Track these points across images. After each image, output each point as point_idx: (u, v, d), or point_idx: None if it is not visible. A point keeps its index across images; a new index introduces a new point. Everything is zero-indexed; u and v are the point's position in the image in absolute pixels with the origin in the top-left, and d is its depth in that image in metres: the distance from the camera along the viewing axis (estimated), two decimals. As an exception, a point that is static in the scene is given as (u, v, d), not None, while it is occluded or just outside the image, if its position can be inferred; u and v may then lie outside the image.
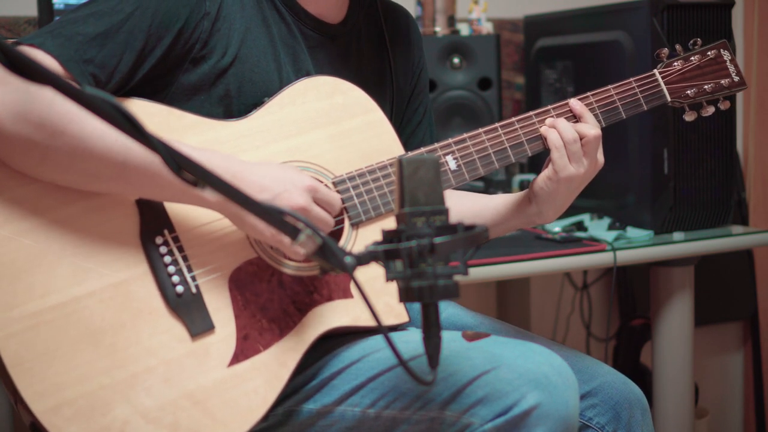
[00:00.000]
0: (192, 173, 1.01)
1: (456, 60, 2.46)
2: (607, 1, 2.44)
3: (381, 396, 1.37)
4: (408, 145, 1.69)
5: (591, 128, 1.49)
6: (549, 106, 1.54)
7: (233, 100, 1.44)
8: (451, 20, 2.56)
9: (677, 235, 2.28)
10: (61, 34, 1.32)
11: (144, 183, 1.29)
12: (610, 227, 2.26)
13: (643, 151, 2.27)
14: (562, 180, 1.48)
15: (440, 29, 2.54)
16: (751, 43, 3.07)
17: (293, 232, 1.07)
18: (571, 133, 1.48)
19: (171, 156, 0.99)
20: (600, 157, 1.51)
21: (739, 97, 3.07)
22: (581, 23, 2.51)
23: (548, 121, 1.51)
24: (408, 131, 1.71)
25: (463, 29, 2.56)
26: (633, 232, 2.25)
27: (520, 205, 1.57)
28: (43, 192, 1.29)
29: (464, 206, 1.64)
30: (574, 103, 1.52)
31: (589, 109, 1.54)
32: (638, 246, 2.18)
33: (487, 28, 2.57)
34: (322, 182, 1.45)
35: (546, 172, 1.50)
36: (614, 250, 2.12)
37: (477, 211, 1.63)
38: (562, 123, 1.49)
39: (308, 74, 1.51)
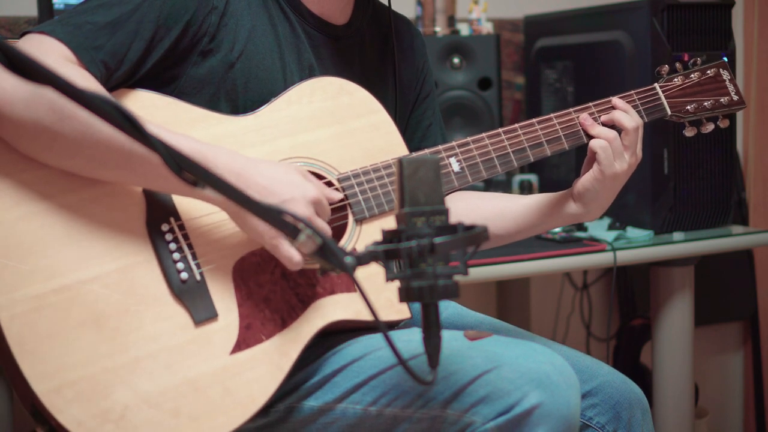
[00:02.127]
0: (192, 173, 1.01)
1: (456, 60, 2.46)
2: (607, 1, 2.44)
3: (383, 394, 1.37)
4: (422, 149, 1.70)
5: (630, 121, 1.52)
6: (551, 114, 1.56)
7: (239, 96, 1.45)
8: (451, 20, 2.56)
9: (677, 235, 2.28)
10: (70, 22, 1.33)
11: (149, 172, 1.30)
12: (610, 227, 2.26)
13: (643, 151, 2.27)
14: (608, 178, 1.51)
15: (440, 29, 2.54)
16: (751, 43, 3.07)
17: (293, 232, 1.07)
18: (611, 131, 1.52)
19: (171, 156, 1.00)
20: (639, 150, 1.54)
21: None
22: (581, 23, 2.51)
23: (587, 122, 1.54)
24: (418, 135, 1.72)
25: (463, 29, 2.56)
26: (633, 232, 2.25)
27: (558, 205, 1.58)
28: (52, 177, 1.30)
29: (488, 205, 1.65)
30: (585, 118, 1.55)
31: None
32: (638, 246, 2.19)
33: (487, 28, 2.57)
34: (324, 177, 1.46)
35: (592, 173, 1.52)
36: (614, 250, 2.12)
37: (500, 210, 1.63)
38: (601, 125, 1.53)
39: (311, 73, 1.52)
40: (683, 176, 2.28)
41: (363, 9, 1.62)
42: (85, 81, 1.30)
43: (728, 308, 3.07)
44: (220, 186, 1.03)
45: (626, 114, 1.54)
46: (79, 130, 1.25)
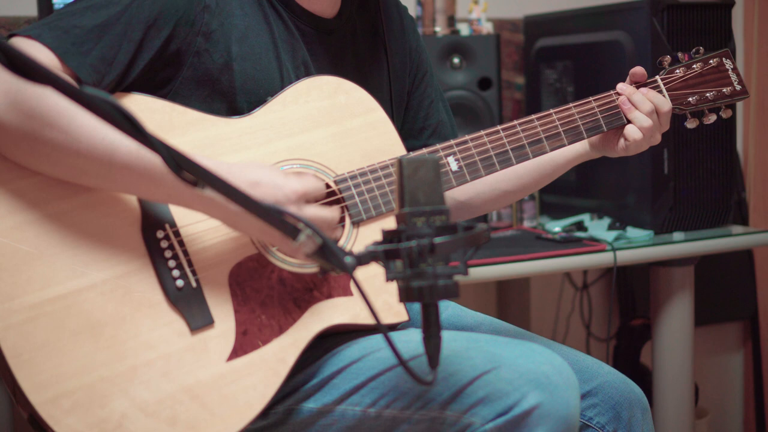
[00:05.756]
0: (192, 173, 1.01)
1: (456, 60, 2.46)
2: (607, 1, 2.44)
3: (381, 395, 1.37)
4: (427, 127, 1.70)
5: (665, 102, 1.58)
6: (551, 110, 1.56)
7: (236, 97, 1.44)
8: (451, 20, 2.56)
9: (677, 235, 2.28)
10: (57, 26, 1.32)
11: (129, 184, 1.29)
12: (610, 227, 2.26)
13: (643, 151, 2.27)
14: (633, 151, 1.61)
15: (440, 29, 2.54)
16: (751, 43, 3.07)
17: (293, 232, 1.07)
18: (649, 105, 1.58)
19: (171, 156, 1.00)
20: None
21: (739, 97, 3.07)
22: (581, 23, 2.51)
23: (626, 93, 1.59)
24: (422, 114, 1.71)
25: (463, 29, 2.56)
26: (633, 232, 2.25)
27: (581, 158, 1.67)
28: (45, 185, 1.29)
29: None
30: (624, 101, 1.59)
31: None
32: (638, 246, 2.18)
33: (487, 28, 2.57)
34: (322, 180, 1.46)
35: (622, 145, 1.60)
36: (614, 250, 2.12)
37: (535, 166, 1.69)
38: (638, 96, 1.58)
39: (307, 71, 1.52)
40: (683, 176, 2.28)
41: None
42: None
43: (728, 308, 3.07)
44: (219, 185, 1.03)
45: (659, 96, 1.59)
46: (57, 139, 1.25)
